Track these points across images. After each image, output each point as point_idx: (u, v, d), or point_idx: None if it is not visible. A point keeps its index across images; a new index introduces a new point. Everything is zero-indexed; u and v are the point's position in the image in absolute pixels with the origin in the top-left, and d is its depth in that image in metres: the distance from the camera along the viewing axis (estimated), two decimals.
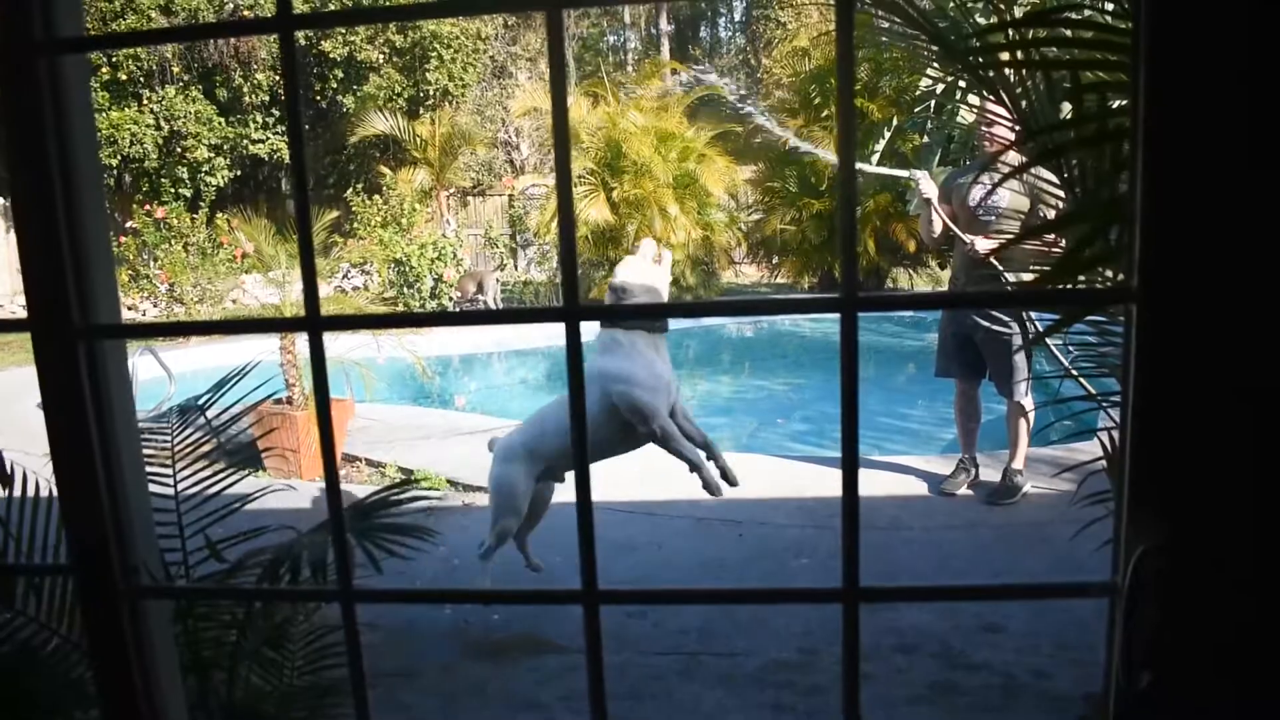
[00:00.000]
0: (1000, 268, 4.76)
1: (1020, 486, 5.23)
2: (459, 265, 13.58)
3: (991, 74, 2.05)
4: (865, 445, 7.52)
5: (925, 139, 11.92)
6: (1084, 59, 1.74)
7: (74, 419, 1.20)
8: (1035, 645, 3.76)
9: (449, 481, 5.90)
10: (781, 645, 3.78)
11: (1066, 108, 2.07)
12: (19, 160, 1.15)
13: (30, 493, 1.99)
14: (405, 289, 13.06)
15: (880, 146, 13.03)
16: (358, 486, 6.16)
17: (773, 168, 14.78)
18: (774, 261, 15.91)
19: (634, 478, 5.93)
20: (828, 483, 5.66)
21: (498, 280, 13.61)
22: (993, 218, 5.08)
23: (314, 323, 1.10)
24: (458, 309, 12.60)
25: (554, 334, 12.00)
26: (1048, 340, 5.05)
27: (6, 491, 1.87)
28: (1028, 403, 5.23)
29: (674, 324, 12.31)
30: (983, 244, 4.96)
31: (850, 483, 1.08)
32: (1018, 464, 5.27)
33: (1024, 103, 1.99)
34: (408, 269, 12.94)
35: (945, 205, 5.29)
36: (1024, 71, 1.93)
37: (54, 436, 1.21)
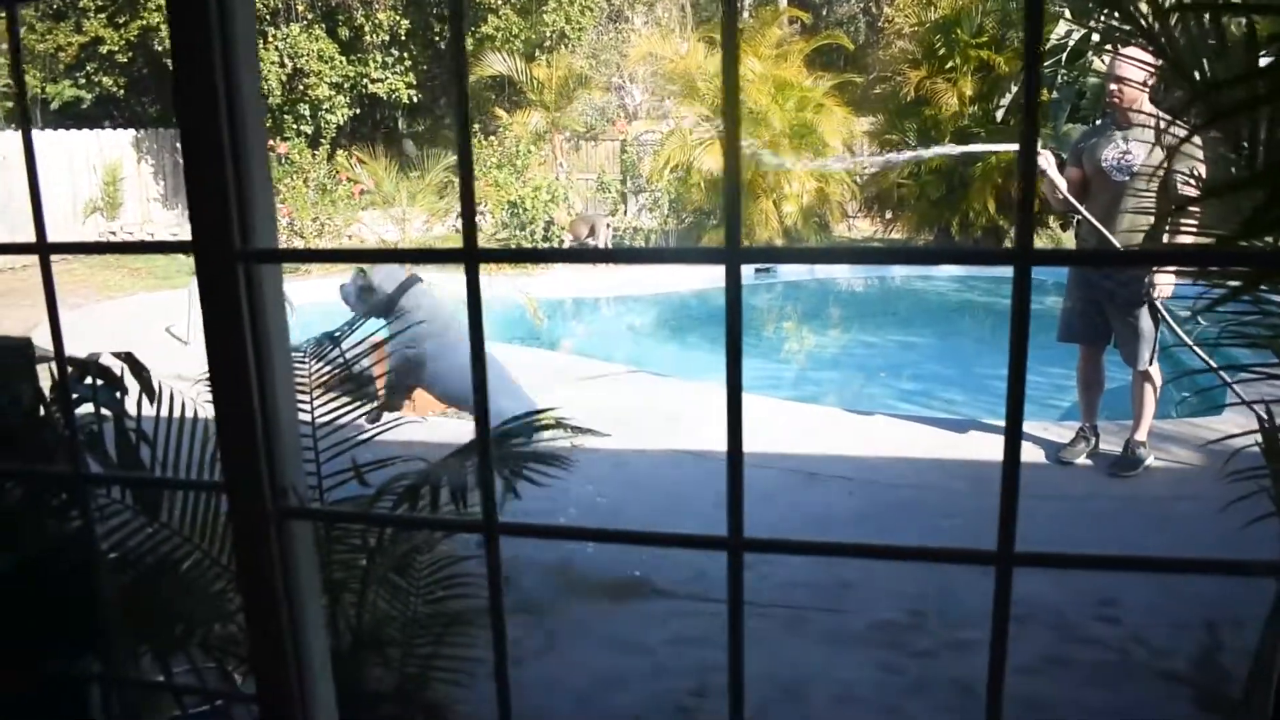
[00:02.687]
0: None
1: (1143, 459, 5.05)
2: (570, 209, 13.63)
3: (1156, 25, 1.93)
4: (977, 408, 7.39)
5: (1054, 94, 11.47)
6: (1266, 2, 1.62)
7: (232, 340, 1.22)
8: (1153, 622, 3.66)
9: (555, 420, 5.95)
10: (889, 606, 3.74)
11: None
12: (188, 87, 1.16)
13: (171, 412, 2.06)
14: (517, 231, 13.15)
15: (1006, 101, 12.60)
16: (467, 423, 6.26)
17: (892, 120, 14.41)
18: (888, 216, 15.59)
19: (755, 429, 5.91)
20: (940, 443, 5.56)
21: (609, 225, 13.61)
22: (1127, 177, 4.91)
23: (471, 254, 1.10)
24: None
25: (663, 280, 11.97)
26: (1164, 311, 4.87)
27: (155, 408, 1.93)
28: (1154, 371, 5.04)
29: (784, 273, 12.25)
30: (1162, 279, 4.81)
31: (1013, 443, 1.04)
32: (1141, 435, 5.10)
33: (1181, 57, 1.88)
34: (521, 210, 13.01)
35: (1075, 168, 5.15)
36: (1192, 21, 1.81)
37: (213, 357, 1.24)
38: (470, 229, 1.10)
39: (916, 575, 3.89)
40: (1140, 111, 4.85)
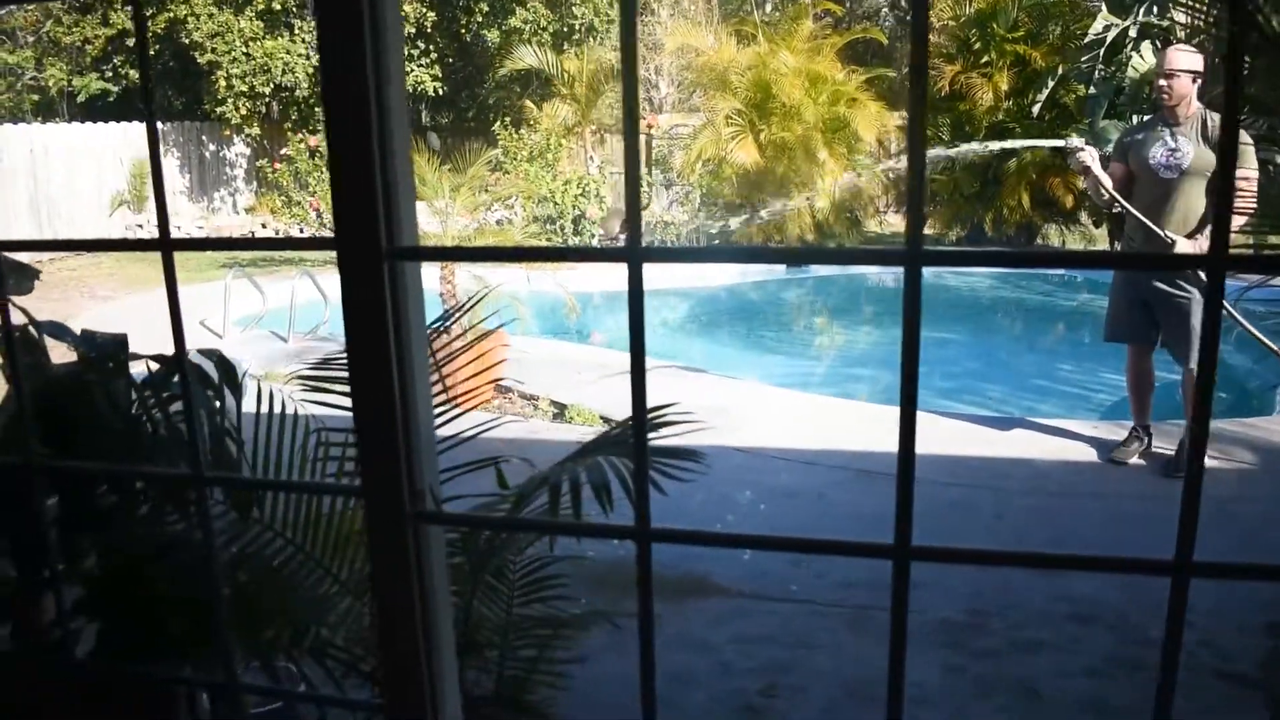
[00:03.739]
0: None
1: None
2: (601, 203, 13.59)
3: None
4: (1016, 405, 7.29)
5: (1091, 90, 11.35)
6: None
7: (376, 338, 1.20)
8: (1218, 625, 3.61)
9: (601, 418, 5.94)
10: (950, 605, 3.71)
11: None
12: (339, 89, 1.14)
13: (271, 409, 2.04)
14: (548, 225, 13.12)
15: (1042, 97, 12.47)
16: (515, 419, 6.24)
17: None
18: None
19: (795, 425, 5.87)
20: (985, 441, 5.51)
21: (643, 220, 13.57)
22: (1176, 175, 4.86)
23: (634, 254, 1.07)
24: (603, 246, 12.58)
25: (694, 275, 11.91)
26: (1228, 307, 4.82)
27: (255, 406, 1.91)
28: None
29: (816, 269, 12.18)
30: (1184, 244, 4.76)
31: (1198, 453, 1.01)
32: None
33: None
34: (552, 204, 12.98)
35: (1119, 164, 5.11)
36: None
37: (354, 356, 1.22)
38: (635, 230, 1.08)
39: (973, 574, 3.86)
40: (1193, 104, 4.83)
